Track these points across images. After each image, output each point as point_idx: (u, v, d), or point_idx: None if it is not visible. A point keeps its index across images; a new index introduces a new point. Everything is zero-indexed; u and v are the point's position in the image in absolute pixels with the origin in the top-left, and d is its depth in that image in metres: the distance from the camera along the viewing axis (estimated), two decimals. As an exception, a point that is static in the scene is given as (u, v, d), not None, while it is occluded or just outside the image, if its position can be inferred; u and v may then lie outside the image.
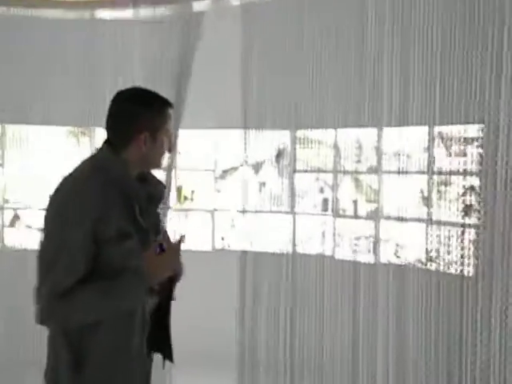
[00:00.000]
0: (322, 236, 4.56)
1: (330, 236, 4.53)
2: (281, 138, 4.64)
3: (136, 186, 1.72)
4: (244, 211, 4.75)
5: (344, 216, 4.44)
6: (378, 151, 4.25)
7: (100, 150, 1.73)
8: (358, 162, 4.34)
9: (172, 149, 1.86)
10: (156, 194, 1.82)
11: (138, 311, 1.65)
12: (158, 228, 1.80)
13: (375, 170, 4.27)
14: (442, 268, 4.01)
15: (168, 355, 1.80)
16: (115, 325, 1.60)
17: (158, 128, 1.72)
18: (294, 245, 4.65)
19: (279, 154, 4.64)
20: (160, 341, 1.76)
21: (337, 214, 4.48)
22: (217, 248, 4.85)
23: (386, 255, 4.27)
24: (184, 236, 1.71)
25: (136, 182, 1.73)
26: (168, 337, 1.80)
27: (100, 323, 1.58)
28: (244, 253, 4.47)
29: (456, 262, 4.03)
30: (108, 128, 1.74)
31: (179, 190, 4.79)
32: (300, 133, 4.58)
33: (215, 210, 4.76)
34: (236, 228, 4.73)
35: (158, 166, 1.82)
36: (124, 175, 1.68)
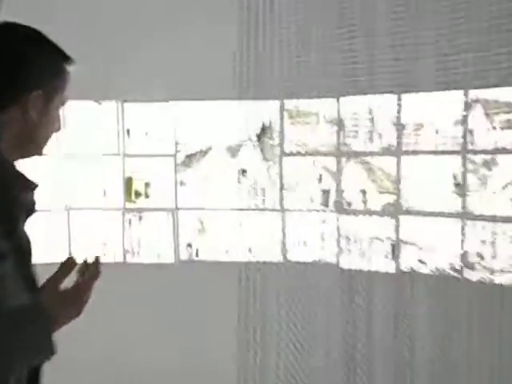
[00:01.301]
0: (322, 239, 3.49)
1: (332, 238, 3.46)
2: (265, 110, 3.51)
3: (19, 177, 1.19)
4: (217, 209, 3.61)
5: (351, 212, 3.38)
6: (397, 125, 3.20)
7: None
8: (369, 140, 3.27)
9: (60, 128, 1.34)
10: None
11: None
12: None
13: (393, 151, 3.23)
14: (484, 277, 3.04)
15: None
16: None
17: (57, 89, 1.26)
18: (285, 251, 3.56)
19: (263, 132, 3.49)
20: None
21: (341, 209, 3.42)
22: (182, 259, 3.68)
23: (409, 262, 3.26)
24: (99, 259, 1.27)
25: (18, 171, 1.21)
26: None
27: None
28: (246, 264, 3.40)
29: (503, 270, 3.07)
30: None
31: (128, 183, 3.55)
32: (290, 103, 3.47)
33: (178, 208, 3.57)
34: (207, 232, 3.56)
35: (40, 150, 1.31)
36: None
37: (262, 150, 3.53)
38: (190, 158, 3.60)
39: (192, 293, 3.71)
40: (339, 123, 3.35)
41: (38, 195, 1.30)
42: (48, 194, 3.55)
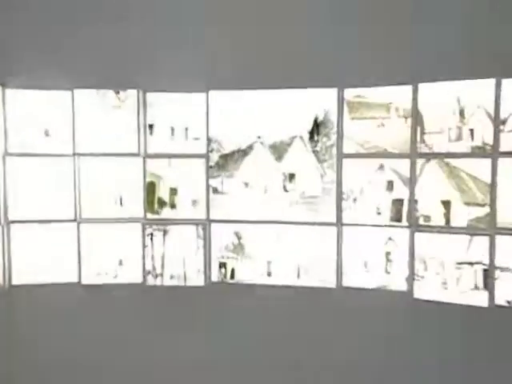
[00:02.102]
0: (387, 261, 2.80)
1: (402, 261, 2.77)
2: (320, 100, 2.84)
3: None
4: (258, 221, 2.95)
5: (428, 229, 2.68)
6: (494, 119, 2.50)
7: None
8: (457, 137, 2.58)
9: None
10: None
11: None
12: None
13: (487, 151, 2.53)
14: None
15: None
16: None
17: None
18: (340, 274, 2.88)
19: (317, 128, 2.82)
20: None
21: (416, 224, 2.72)
22: (214, 281, 3.03)
23: (507, 293, 2.55)
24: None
25: None
26: None
27: None
28: (292, 290, 2.72)
29: None
30: None
31: (150, 188, 2.93)
32: (351, 93, 2.79)
33: (210, 220, 2.92)
34: (245, 249, 2.90)
35: None
36: None
37: (314, 151, 2.85)
38: (225, 159, 2.94)
39: (225, 321, 3.06)
40: (416, 117, 2.66)
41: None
42: (53, 202, 2.92)
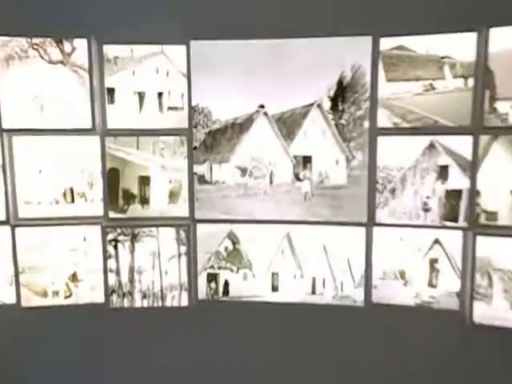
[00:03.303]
0: (433, 270, 2.11)
1: (453, 271, 2.08)
2: (346, 55, 2.05)
3: None
4: (259, 220, 2.20)
5: (494, 230, 1.98)
6: None
7: None
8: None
9: None
10: None
11: None
12: None
13: None
14: None
15: None
16: None
17: None
18: (369, 286, 2.17)
19: (341, 93, 2.05)
20: None
21: (477, 224, 2.01)
22: (202, 298, 2.28)
23: None
24: None
25: None
26: None
27: None
28: (306, 308, 2.03)
29: None
30: None
31: (113, 177, 2.14)
32: (390, 43, 2.01)
33: (196, 220, 2.15)
34: (241, 255, 2.15)
35: None
36: None
37: (338, 124, 2.08)
38: (215, 137, 2.15)
39: (217, 351, 2.33)
40: (482, 76, 1.91)
41: None
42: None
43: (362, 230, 2.13)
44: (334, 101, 2.05)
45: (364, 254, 2.15)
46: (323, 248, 2.19)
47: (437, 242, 2.10)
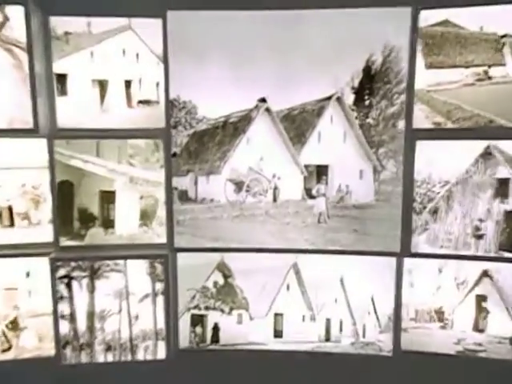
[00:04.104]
0: (480, 311, 1.65)
1: (507, 311, 1.61)
2: (376, 33, 1.54)
3: None
4: (260, 249, 1.69)
5: None
6: None
7: None
8: None
9: None
10: None
11: None
12: None
13: None
14: None
15: None
16: None
17: None
18: (398, 330, 1.69)
19: (369, 84, 1.54)
20: None
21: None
22: (183, 348, 1.76)
23: None
24: None
25: None
26: None
27: None
28: (321, 357, 1.51)
29: None
30: None
31: (67, 190, 1.55)
32: (432, 17, 1.52)
33: (175, 249, 1.60)
34: (233, 292, 1.64)
35: None
36: None
37: (364, 124, 1.59)
38: (201, 141, 1.64)
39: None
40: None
41: None
42: None
43: (392, 260, 1.65)
44: (359, 93, 1.56)
45: (393, 289, 1.68)
46: (340, 283, 1.71)
47: (486, 274, 1.65)
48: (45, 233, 1.67)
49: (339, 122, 1.59)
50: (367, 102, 1.56)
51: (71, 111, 1.64)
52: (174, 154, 1.64)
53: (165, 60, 1.60)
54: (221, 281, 1.75)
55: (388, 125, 1.56)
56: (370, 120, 1.57)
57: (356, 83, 1.56)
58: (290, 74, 1.56)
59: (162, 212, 1.69)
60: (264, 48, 1.56)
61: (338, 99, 1.57)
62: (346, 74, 1.55)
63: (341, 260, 1.67)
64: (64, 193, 1.65)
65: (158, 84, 1.65)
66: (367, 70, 1.54)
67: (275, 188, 1.65)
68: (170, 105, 1.61)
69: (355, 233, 1.63)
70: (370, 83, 1.55)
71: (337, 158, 1.61)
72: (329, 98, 1.57)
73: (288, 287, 1.74)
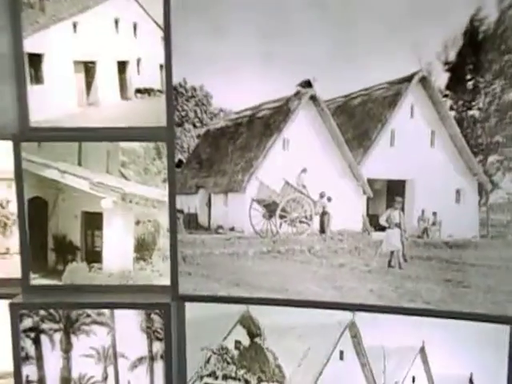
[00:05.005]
0: None
1: None
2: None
3: None
4: (301, 302, 1.14)
5: None
6: None
7: None
8: None
9: None
10: None
11: None
12: None
13: None
14: None
15: None
16: None
17: None
18: None
19: (473, 54, 0.96)
20: None
21: None
22: None
23: None
24: None
25: None
26: None
27: None
28: None
29: None
30: None
31: (40, 211, 1.11)
32: None
33: (181, 296, 1.06)
34: (270, 359, 1.10)
35: None
36: None
37: (462, 119, 1.02)
38: (214, 142, 1.15)
39: None
40: None
41: None
42: None
43: (503, 329, 1.07)
44: (457, 71, 1.01)
45: (502, 370, 1.09)
46: (421, 354, 1.15)
47: None
48: (10, 268, 1.25)
49: (424, 116, 1.05)
50: (470, 84, 1.01)
51: (47, 104, 1.22)
52: (180, 163, 1.16)
53: (166, 29, 1.13)
54: (245, 341, 1.25)
55: (504, 119, 0.99)
56: (474, 112, 1.01)
57: (452, 55, 1.01)
58: (348, 44, 1.04)
59: (164, 242, 1.22)
60: (308, 8, 1.05)
61: (423, 80, 1.03)
62: (436, 41, 1.00)
63: (422, 323, 1.11)
64: (35, 214, 1.23)
65: (161, 67, 1.20)
66: (471, 32, 0.99)
67: (324, 213, 1.13)
68: (174, 93, 1.13)
69: (447, 284, 1.07)
70: (475, 54, 0.99)
71: (420, 169, 1.06)
72: (408, 80, 1.03)
73: (341, 356, 1.21)
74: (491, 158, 1.03)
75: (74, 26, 1.24)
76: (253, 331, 1.27)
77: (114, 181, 1.24)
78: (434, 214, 1.08)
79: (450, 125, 1.04)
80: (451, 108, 1.03)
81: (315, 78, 1.08)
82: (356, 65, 1.05)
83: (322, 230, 1.14)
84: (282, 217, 1.15)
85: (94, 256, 1.26)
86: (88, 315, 1.22)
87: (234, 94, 1.12)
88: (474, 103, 1.02)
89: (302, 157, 1.12)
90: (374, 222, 1.11)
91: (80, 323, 1.22)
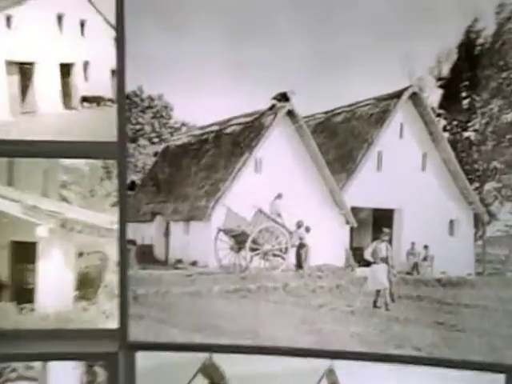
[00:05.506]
0: None
1: None
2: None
3: None
4: (299, 351, 0.98)
5: None
6: None
7: None
8: None
9: None
10: None
11: None
12: None
13: None
14: None
15: None
16: None
17: None
18: None
19: (469, 68, 0.85)
20: None
21: None
22: None
23: None
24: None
25: None
26: None
27: None
28: None
29: None
30: None
31: None
32: None
33: (132, 345, 0.85)
34: None
35: None
36: None
37: (457, 141, 0.92)
38: (173, 161, 0.98)
39: None
40: None
41: None
42: None
43: (499, 378, 0.95)
44: (451, 87, 0.90)
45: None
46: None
47: None
48: None
49: (415, 136, 0.93)
50: (466, 103, 0.90)
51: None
52: (133, 185, 0.99)
53: (119, 28, 0.96)
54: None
55: (503, 142, 0.90)
56: (469, 133, 0.91)
57: (445, 70, 0.90)
58: (332, 53, 0.92)
59: (112, 278, 1.03)
60: (287, 9, 0.92)
61: (414, 97, 0.92)
62: (428, 54, 0.90)
63: (411, 373, 0.98)
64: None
65: (114, 72, 1.03)
66: (467, 46, 0.89)
67: (301, 246, 0.98)
68: (128, 102, 0.96)
69: (438, 328, 0.94)
70: (471, 70, 0.89)
71: (410, 197, 0.94)
72: (397, 96, 0.92)
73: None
74: (488, 186, 0.93)
75: (8, 19, 1.05)
76: (216, 382, 1.10)
77: (51, 204, 1.04)
78: (426, 247, 0.96)
79: (443, 147, 0.93)
80: (445, 129, 0.93)
81: (293, 90, 0.95)
82: (339, 77, 0.93)
83: (299, 265, 1.00)
84: (252, 249, 1.00)
85: (25, 295, 1.06)
86: (14, 369, 1.00)
87: (199, 106, 0.97)
88: (469, 124, 0.92)
89: (276, 180, 0.98)
90: (357, 257, 0.98)
91: (3, 380, 1.00)
